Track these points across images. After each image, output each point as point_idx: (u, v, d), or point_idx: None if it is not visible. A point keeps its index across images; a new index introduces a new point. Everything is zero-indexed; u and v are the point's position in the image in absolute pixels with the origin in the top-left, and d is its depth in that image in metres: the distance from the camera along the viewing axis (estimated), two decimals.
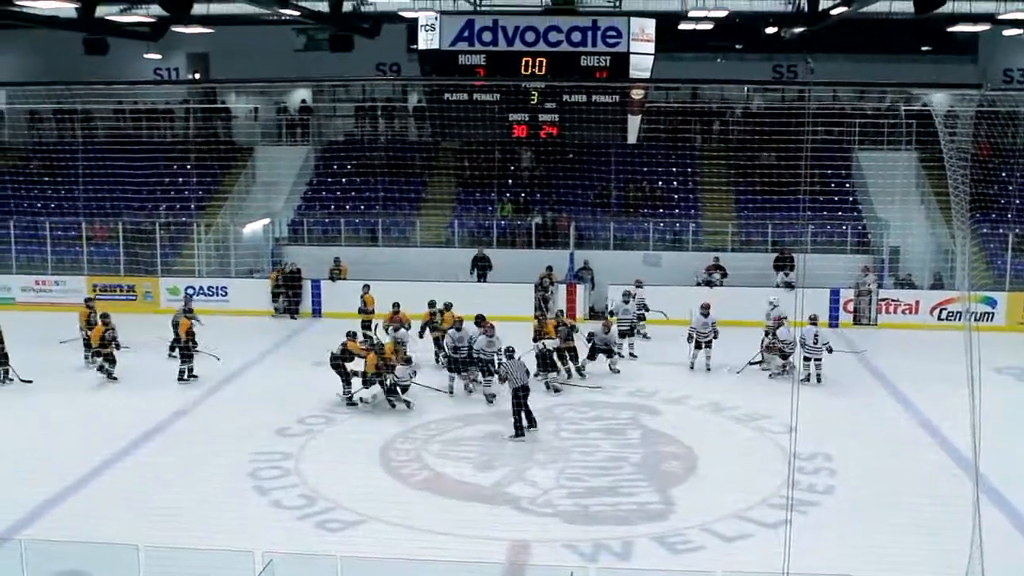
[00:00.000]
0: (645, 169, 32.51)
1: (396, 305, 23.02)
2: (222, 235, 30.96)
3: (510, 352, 18.99)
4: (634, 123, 23.93)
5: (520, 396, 18.20)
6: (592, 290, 28.55)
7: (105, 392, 20.86)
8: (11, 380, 21.28)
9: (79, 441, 17.58)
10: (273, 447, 17.59)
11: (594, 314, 27.75)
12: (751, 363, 22.52)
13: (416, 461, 17.07)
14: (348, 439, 18.06)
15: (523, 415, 18.21)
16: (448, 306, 23.24)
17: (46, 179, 33.36)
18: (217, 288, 28.70)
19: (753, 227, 30.54)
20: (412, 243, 31.25)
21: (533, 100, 23.15)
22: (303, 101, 36.61)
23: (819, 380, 21.47)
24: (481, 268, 29.12)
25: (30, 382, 21.15)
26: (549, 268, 27.92)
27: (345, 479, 16.06)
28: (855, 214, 31.15)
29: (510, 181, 33.14)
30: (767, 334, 22.65)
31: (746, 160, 31.89)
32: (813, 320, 21.68)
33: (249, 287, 28.64)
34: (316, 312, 28.52)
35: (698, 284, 28.02)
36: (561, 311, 24.68)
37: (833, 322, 27.03)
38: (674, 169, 33.15)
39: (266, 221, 31.81)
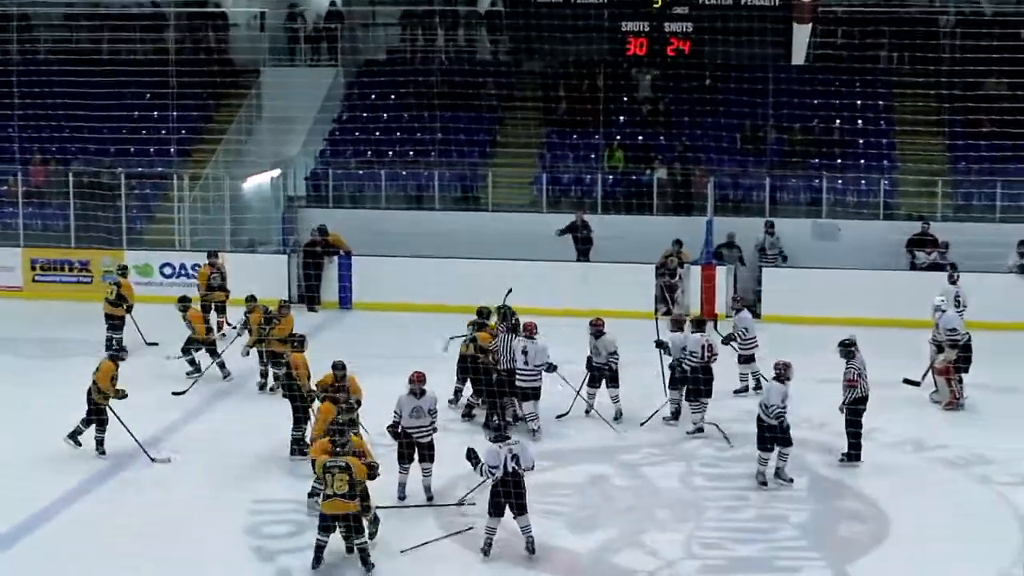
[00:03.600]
0: (816, 102, 32.33)
1: None
2: (213, 192, 31.23)
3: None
4: (801, 36, 23.78)
5: None
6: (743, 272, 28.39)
7: (66, 403, 20.82)
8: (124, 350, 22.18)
9: (35, 468, 18.08)
10: (282, 493, 17.75)
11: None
12: (908, 381, 21.95)
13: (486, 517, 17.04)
14: (387, 479, 17.98)
15: None
16: (251, 298, 22.93)
17: None
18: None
19: (974, 185, 30.09)
20: (482, 206, 31.35)
21: (656, 2, 23.09)
22: (332, 3, 36.76)
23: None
24: (581, 242, 29.11)
25: (156, 344, 24.61)
26: (677, 243, 27.86)
27: (386, 541, 16.08)
28: None
29: (622, 119, 33.11)
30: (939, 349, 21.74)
31: (963, 90, 31.47)
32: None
33: (251, 266, 28.67)
34: (344, 302, 28.99)
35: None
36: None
37: None
38: (858, 102, 32.93)
39: (275, 173, 32.10)
